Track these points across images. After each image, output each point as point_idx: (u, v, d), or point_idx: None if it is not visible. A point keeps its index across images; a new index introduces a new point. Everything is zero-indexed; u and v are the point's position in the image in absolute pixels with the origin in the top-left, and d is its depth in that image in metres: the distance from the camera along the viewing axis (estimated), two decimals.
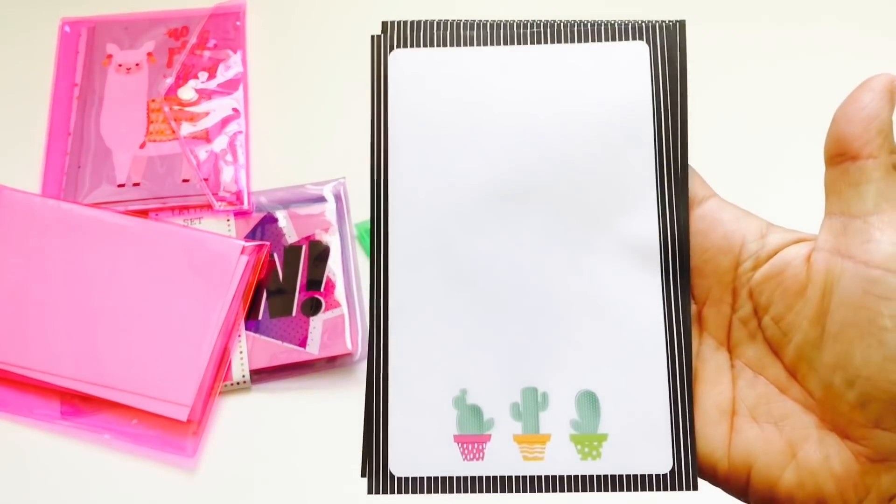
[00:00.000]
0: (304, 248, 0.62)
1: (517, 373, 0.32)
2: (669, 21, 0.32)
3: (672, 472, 0.30)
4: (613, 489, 0.31)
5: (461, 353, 0.32)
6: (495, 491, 0.31)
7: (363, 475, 0.34)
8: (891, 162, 0.28)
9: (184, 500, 0.55)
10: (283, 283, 0.61)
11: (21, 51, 0.71)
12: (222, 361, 0.58)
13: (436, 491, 0.31)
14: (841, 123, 0.29)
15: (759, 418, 0.30)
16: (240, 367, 0.58)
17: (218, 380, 0.57)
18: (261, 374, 0.59)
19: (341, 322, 0.60)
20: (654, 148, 0.32)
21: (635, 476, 0.30)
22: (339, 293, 0.61)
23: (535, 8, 0.70)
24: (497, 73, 0.34)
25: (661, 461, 0.31)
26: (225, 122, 0.67)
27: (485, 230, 0.33)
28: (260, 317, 0.60)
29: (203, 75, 0.68)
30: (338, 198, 0.64)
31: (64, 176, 0.64)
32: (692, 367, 0.31)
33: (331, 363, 0.59)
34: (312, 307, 0.60)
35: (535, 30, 0.34)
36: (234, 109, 0.67)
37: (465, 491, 0.31)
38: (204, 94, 0.67)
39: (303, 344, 0.59)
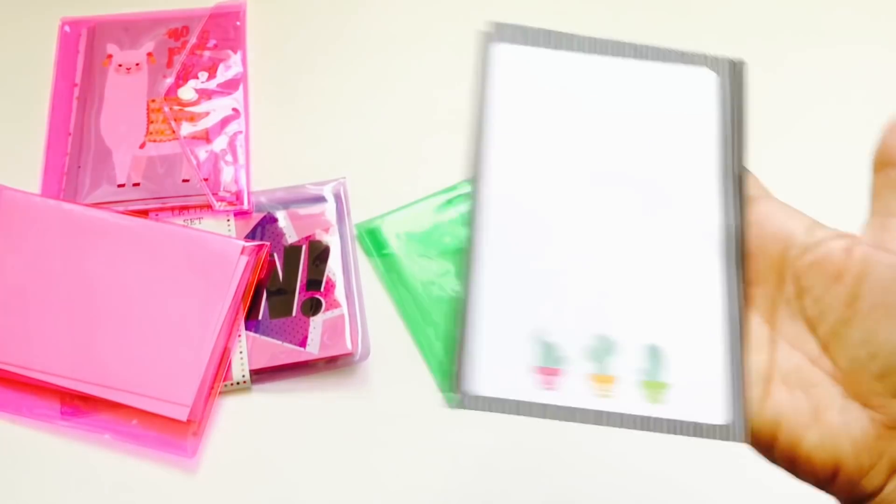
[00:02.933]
0: (304, 248, 0.62)
1: (591, 321, 0.36)
2: (736, 59, 0.38)
3: (728, 424, 0.34)
4: (674, 432, 0.34)
5: (541, 299, 0.36)
6: (568, 420, 0.34)
7: (450, 391, 0.36)
8: None
9: (184, 500, 0.55)
10: (283, 283, 0.61)
11: (21, 51, 0.71)
12: (222, 361, 0.58)
13: (513, 412, 0.35)
14: (888, 136, 0.34)
15: (791, 385, 0.34)
16: (240, 367, 0.58)
17: (218, 380, 0.57)
18: (261, 375, 0.59)
19: (341, 322, 0.60)
20: (720, 152, 0.37)
21: (696, 424, 0.34)
22: (340, 293, 0.61)
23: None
24: (589, 76, 0.39)
25: (718, 413, 0.34)
26: (225, 122, 0.67)
27: (569, 200, 0.37)
28: (260, 317, 0.60)
29: (203, 75, 0.68)
30: (338, 198, 0.64)
31: (64, 176, 0.64)
32: (745, 336, 0.35)
33: (331, 363, 0.59)
34: (312, 307, 0.60)
35: (624, 47, 0.39)
36: (234, 109, 0.67)
37: (540, 416, 0.35)
38: (204, 94, 0.67)
39: (303, 344, 0.59)
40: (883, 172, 0.34)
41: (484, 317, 0.36)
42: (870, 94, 0.70)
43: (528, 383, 0.35)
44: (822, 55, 0.72)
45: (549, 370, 0.35)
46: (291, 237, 0.63)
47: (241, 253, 0.60)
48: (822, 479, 0.33)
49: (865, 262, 0.33)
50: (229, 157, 0.65)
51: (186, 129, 0.66)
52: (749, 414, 0.34)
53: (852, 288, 0.33)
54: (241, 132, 0.66)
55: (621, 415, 0.34)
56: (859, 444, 0.32)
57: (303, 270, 0.61)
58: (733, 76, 0.38)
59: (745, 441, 0.34)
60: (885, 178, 0.33)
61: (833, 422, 0.33)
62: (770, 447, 0.34)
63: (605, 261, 0.37)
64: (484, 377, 0.35)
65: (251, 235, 0.63)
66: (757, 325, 0.35)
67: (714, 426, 0.34)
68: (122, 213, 0.62)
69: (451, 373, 0.35)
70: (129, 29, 0.70)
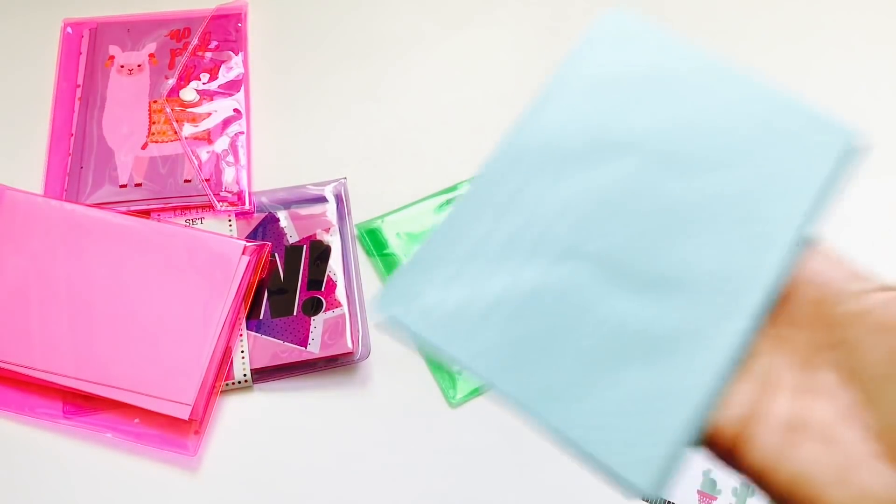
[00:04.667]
0: (305, 247, 0.62)
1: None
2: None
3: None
4: None
5: None
6: None
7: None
8: None
9: (186, 498, 0.56)
10: (285, 283, 0.61)
11: (23, 52, 0.71)
12: (224, 361, 0.58)
13: None
14: None
15: (818, 439, 0.32)
16: (241, 367, 0.58)
17: (219, 379, 0.58)
18: (262, 374, 0.59)
19: (342, 322, 0.60)
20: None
21: None
22: (340, 293, 0.61)
23: None
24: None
25: None
26: (226, 122, 0.67)
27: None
28: (261, 316, 0.60)
29: (205, 76, 0.69)
30: (339, 198, 0.64)
31: (66, 176, 0.64)
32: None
33: (332, 363, 0.60)
34: (313, 307, 0.60)
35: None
36: (236, 110, 0.67)
37: None
38: (205, 95, 0.68)
39: (304, 343, 0.59)
40: None
41: None
42: None
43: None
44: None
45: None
46: (292, 237, 0.63)
47: (243, 253, 0.60)
48: None
49: None
50: (231, 158, 0.65)
51: (188, 129, 0.66)
52: (755, 462, 0.32)
53: (893, 344, 0.31)
54: (242, 133, 0.67)
55: None
56: None
57: (304, 270, 0.62)
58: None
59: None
60: None
61: (862, 482, 0.31)
62: (787, 501, 0.32)
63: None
64: None
65: (252, 235, 0.63)
66: (788, 371, 0.34)
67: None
68: (124, 213, 0.62)
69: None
70: (130, 30, 0.71)
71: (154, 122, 0.66)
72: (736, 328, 0.33)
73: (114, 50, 0.70)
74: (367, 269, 0.63)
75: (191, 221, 0.63)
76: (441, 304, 0.33)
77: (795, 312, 0.34)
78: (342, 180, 0.65)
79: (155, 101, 0.67)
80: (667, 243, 0.34)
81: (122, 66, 0.69)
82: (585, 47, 0.38)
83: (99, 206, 0.62)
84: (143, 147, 0.65)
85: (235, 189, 0.64)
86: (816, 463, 0.31)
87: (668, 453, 0.31)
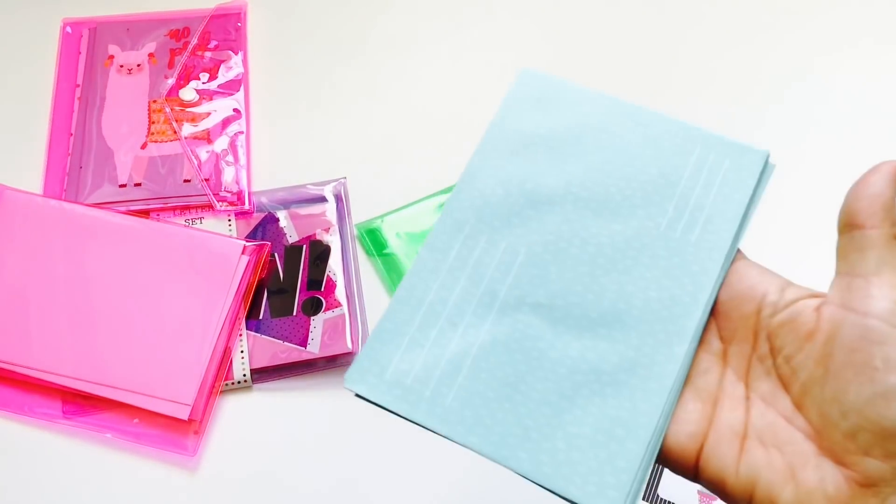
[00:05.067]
0: (304, 247, 0.62)
1: None
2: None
3: None
4: None
5: None
6: None
7: None
8: (891, 233, 0.34)
9: (185, 498, 0.56)
10: (284, 283, 0.61)
11: (23, 51, 0.71)
12: (223, 361, 0.58)
13: None
14: (851, 199, 0.34)
15: (766, 443, 0.34)
16: (241, 367, 0.58)
17: (219, 379, 0.57)
18: (261, 374, 0.59)
19: (342, 321, 0.60)
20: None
21: None
22: (340, 293, 0.61)
23: None
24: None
25: None
26: (226, 122, 0.67)
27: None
28: (261, 316, 0.60)
29: (204, 76, 0.69)
30: (338, 198, 0.64)
31: (66, 176, 0.64)
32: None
33: (331, 363, 0.60)
34: (313, 307, 0.60)
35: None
36: (235, 110, 0.67)
37: None
38: (205, 95, 0.68)
39: (303, 343, 0.59)
40: (849, 234, 0.34)
41: None
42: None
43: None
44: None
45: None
46: (292, 237, 0.63)
47: (242, 253, 0.60)
48: None
49: (834, 322, 0.33)
50: (230, 158, 0.65)
51: (188, 129, 0.66)
52: (711, 472, 0.34)
53: (822, 347, 0.33)
54: (242, 132, 0.67)
55: None
56: (834, 503, 0.32)
57: (303, 270, 0.62)
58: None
59: None
60: (849, 239, 0.34)
61: (809, 479, 0.33)
62: None
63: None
64: None
65: (252, 235, 0.63)
66: (731, 384, 0.36)
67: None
68: (124, 213, 0.62)
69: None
70: (130, 30, 0.71)
71: (153, 122, 0.66)
72: (679, 351, 0.35)
73: (113, 49, 0.70)
74: (367, 269, 0.63)
75: (190, 221, 0.63)
76: (403, 376, 0.36)
77: (731, 327, 0.36)
78: (342, 180, 0.65)
79: (154, 101, 0.67)
80: (603, 283, 0.37)
81: (121, 66, 0.69)
82: (506, 109, 0.41)
83: (98, 205, 0.62)
84: (143, 147, 0.65)
85: (235, 189, 0.64)
86: (767, 466, 0.34)
87: (629, 477, 0.34)
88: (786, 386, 0.35)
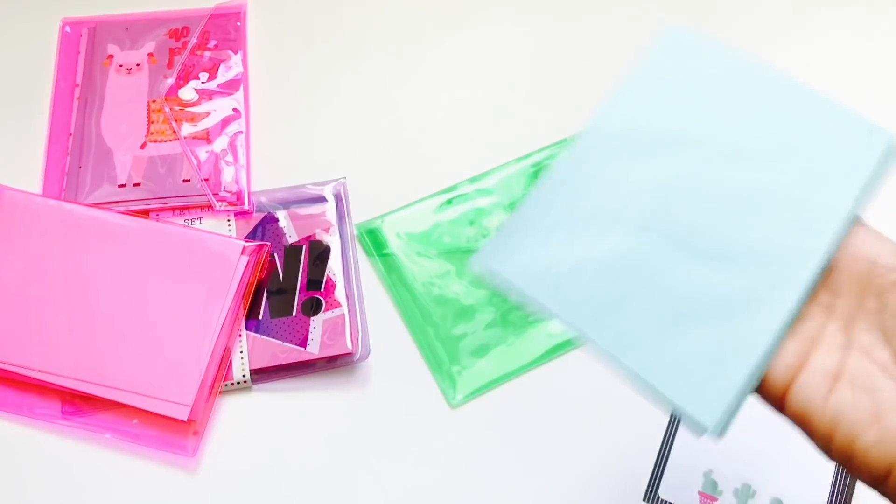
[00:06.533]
0: (304, 248, 0.62)
1: None
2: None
3: None
4: None
5: None
6: None
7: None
8: None
9: (184, 499, 0.56)
10: (284, 283, 0.61)
11: (22, 51, 0.71)
12: (223, 361, 0.58)
13: None
14: None
15: (856, 386, 0.36)
16: (240, 367, 0.58)
17: (218, 379, 0.57)
18: (261, 374, 0.59)
19: (342, 322, 0.60)
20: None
21: None
22: (340, 293, 0.61)
23: None
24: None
25: None
26: (225, 122, 0.67)
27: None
28: (260, 316, 0.60)
29: (204, 76, 0.68)
30: (338, 198, 0.64)
31: (65, 176, 0.64)
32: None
33: (331, 363, 0.60)
34: (313, 307, 0.60)
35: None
36: (235, 110, 0.67)
37: None
38: (204, 95, 0.68)
39: (303, 344, 0.59)
40: None
41: None
42: None
43: None
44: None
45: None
46: (292, 237, 0.63)
47: (242, 253, 0.60)
48: (877, 477, 0.34)
49: None
50: (230, 158, 0.65)
51: (187, 129, 0.66)
52: (799, 407, 0.36)
53: None
54: (241, 132, 0.67)
55: None
56: None
57: (303, 270, 0.62)
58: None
59: None
60: None
61: (892, 423, 0.34)
62: (828, 442, 0.36)
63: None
64: None
65: (252, 235, 0.63)
66: (835, 333, 0.37)
67: None
68: (123, 213, 0.62)
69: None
70: (129, 29, 0.71)
71: (153, 122, 0.66)
72: (791, 297, 0.38)
73: (112, 49, 0.70)
74: (366, 269, 0.63)
75: (190, 221, 0.63)
76: (533, 262, 0.39)
77: (841, 283, 0.38)
78: (342, 180, 0.65)
79: (154, 101, 0.67)
80: (730, 223, 0.39)
81: (120, 66, 0.69)
82: (652, 55, 0.43)
83: (97, 205, 0.62)
84: (142, 147, 0.65)
85: (234, 189, 0.64)
86: (854, 407, 0.35)
87: (730, 398, 0.36)
88: (888, 339, 0.36)
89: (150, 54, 0.69)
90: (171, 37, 0.70)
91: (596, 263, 0.39)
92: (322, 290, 0.61)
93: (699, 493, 0.55)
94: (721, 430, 0.36)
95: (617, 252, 0.39)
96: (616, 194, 0.40)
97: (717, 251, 0.39)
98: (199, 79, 0.68)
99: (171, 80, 0.68)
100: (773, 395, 0.37)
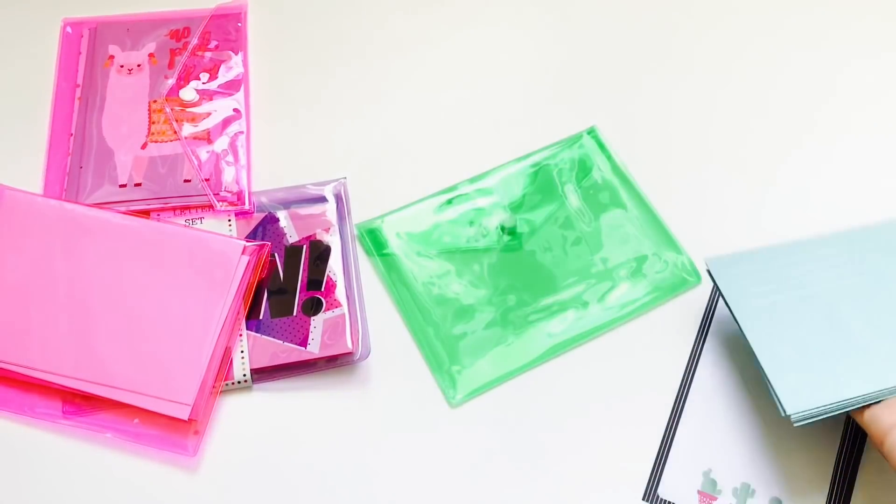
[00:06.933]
0: (304, 247, 0.62)
1: None
2: None
3: None
4: None
5: None
6: None
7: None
8: None
9: (185, 498, 0.56)
10: (284, 283, 0.61)
11: (23, 52, 0.71)
12: (223, 361, 0.58)
13: None
14: None
15: None
16: (241, 367, 0.58)
17: (219, 379, 0.57)
18: (261, 374, 0.59)
19: (342, 322, 0.60)
20: None
21: None
22: (340, 293, 0.61)
23: None
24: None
25: None
26: (226, 122, 0.67)
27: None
28: (261, 316, 0.60)
29: (204, 76, 0.69)
30: (338, 198, 0.64)
31: (66, 176, 0.64)
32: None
33: (331, 363, 0.60)
34: (313, 307, 0.60)
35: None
36: (236, 110, 0.67)
37: None
38: (205, 95, 0.68)
39: (303, 343, 0.59)
40: None
41: None
42: None
43: None
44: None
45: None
46: (292, 237, 0.63)
47: (242, 253, 0.60)
48: None
49: None
50: (230, 158, 0.65)
51: (188, 129, 0.66)
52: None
53: None
54: (242, 133, 0.67)
55: None
56: None
57: (303, 270, 0.62)
58: None
59: None
60: None
61: None
62: (881, 444, 0.49)
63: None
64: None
65: (252, 235, 0.63)
66: None
67: None
68: (124, 213, 0.62)
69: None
70: (130, 30, 0.71)
71: (154, 122, 0.66)
72: None
73: (113, 49, 0.70)
74: (367, 269, 0.63)
75: (190, 221, 0.63)
76: (736, 279, 0.56)
77: None
78: (342, 180, 0.65)
79: (154, 101, 0.67)
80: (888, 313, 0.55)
81: (121, 66, 0.69)
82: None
83: (98, 205, 0.62)
84: (143, 147, 0.65)
85: (235, 189, 0.64)
86: None
87: (823, 406, 0.50)
88: None
89: (150, 55, 0.69)
90: (171, 37, 0.70)
91: (784, 298, 0.55)
92: (322, 289, 0.61)
93: (698, 492, 0.55)
94: (799, 420, 0.49)
95: (801, 300, 0.55)
96: (796, 293, 0.55)
97: (871, 320, 0.53)
98: (199, 79, 0.68)
99: (171, 81, 0.68)
100: (871, 433, 0.48)
